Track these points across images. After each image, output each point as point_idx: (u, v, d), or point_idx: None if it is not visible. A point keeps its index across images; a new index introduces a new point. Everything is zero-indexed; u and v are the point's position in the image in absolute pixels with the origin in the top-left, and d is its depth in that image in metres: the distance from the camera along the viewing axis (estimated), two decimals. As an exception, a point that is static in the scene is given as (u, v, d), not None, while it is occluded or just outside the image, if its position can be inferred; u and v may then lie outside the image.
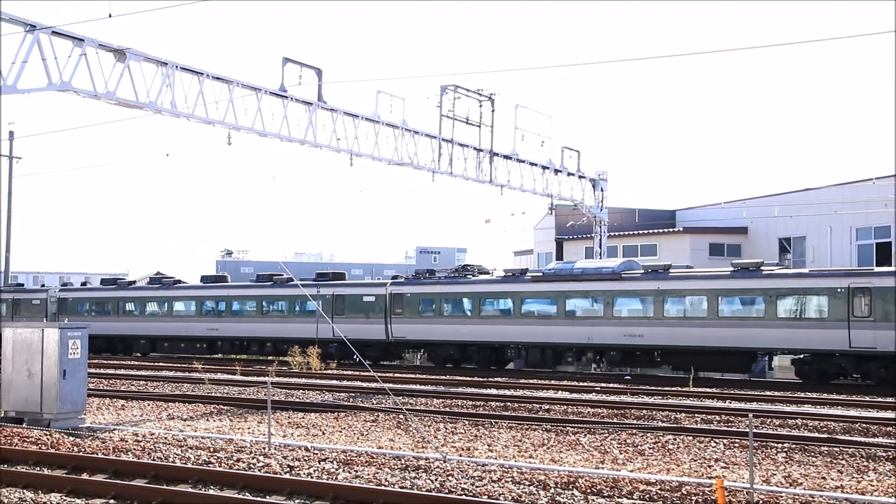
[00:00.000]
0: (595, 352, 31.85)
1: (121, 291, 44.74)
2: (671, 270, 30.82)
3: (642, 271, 31.33)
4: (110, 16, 18.02)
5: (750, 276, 28.75)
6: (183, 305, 42.12)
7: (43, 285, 54.83)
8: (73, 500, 11.39)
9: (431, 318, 34.88)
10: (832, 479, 12.69)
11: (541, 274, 33.20)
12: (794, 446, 15.43)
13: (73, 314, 44.70)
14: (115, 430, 16.96)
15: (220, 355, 41.29)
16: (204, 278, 43.76)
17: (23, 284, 52.55)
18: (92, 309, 45.09)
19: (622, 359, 31.22)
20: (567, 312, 31.71)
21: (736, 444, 15.65)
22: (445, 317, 34.62)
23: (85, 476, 12.55)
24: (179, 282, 44.32)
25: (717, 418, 19.22)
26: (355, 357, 29.42)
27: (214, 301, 41.32)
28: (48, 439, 15.41)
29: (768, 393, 24.82)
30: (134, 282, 46.75)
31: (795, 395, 24.31)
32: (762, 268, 29.15)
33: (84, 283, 50.61)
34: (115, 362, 36.83)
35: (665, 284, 30.05)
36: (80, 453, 14.12)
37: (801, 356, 28.58)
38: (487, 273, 35.77)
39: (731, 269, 29.87)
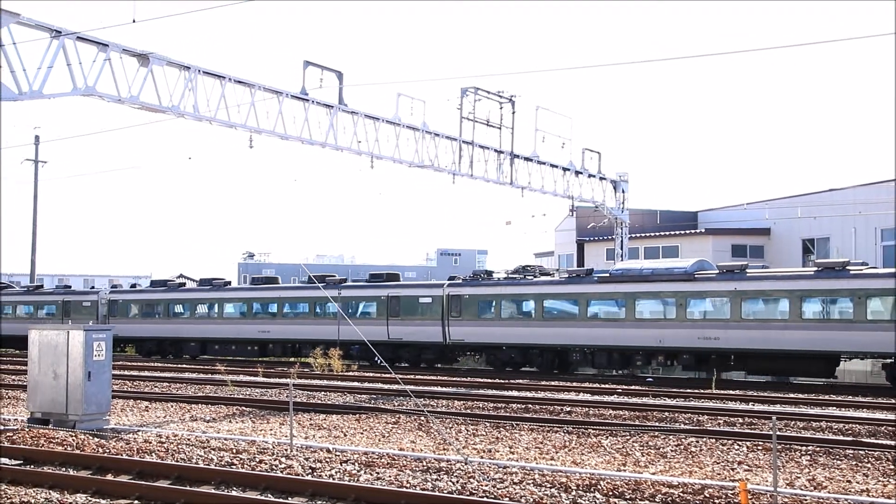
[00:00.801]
0: (665, 355, 30.72)
1: (171, 293, 43.75)
2: (748, 271, 29.72)
3: (716, 271, 30.37)
4: (134, 21, 18.20)
5: (836, 277, 27.73)
6: (233, 307, 41.09)
7: (92, 287, 52.72)
8: (97, 500, 11.50)
9: (491, 321, 33.97)
10: (858, 483, 12.56)
11: (608, 275, 32.20)
12: (818, 449, 15.29)
13: (124, 316, 44.25)
14: (138, 431, 17.10)
15: (271, 358, 40.28)
16: (255, 280, 42.95)
17: (70, 286, 51.27)
18: (142, 311, 44.24)
19: (695, 362, 30.24)
20: (636, 314, 30.76)
21: (759, 447, 15.54)
22: (505, 319, 33.71)
23: (109, 477, 12.67)
24: (229, 283, 43.34)
25: (741, 420, 19.09)
26: (377, 359, 29.45)
27: (266, 303, 40.33)
28: (73, 440, 15.57)
29: (792, 395, 24.61)
30: (184, 283, 45.94)
31: (819, 397, 24.09)
32: (848, 267, 28.04)
33: (133, 286, 49.72)
34: (139, 364, 37.13)
35: (743, 285, 28.97)
36: (105, 454, 14.26)
37: (892, 360, 27.24)
38: (548, 274, 34.87)
39: (815, 268, 28.83)
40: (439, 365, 36.27)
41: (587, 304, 31.79)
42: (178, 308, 43.07)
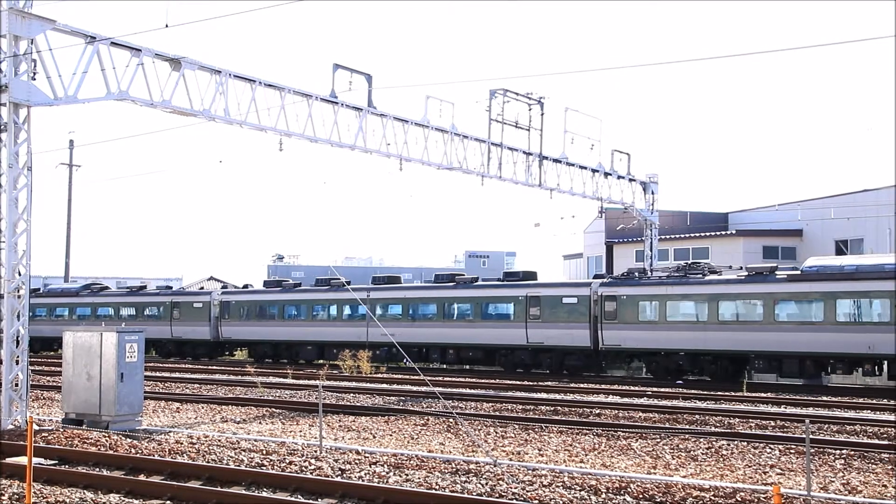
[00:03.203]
0: (872, 362, 27.35)
1: (286, 294, 41.08)
2: None
3: None
4: (167, 26, 18.37)
5: None
6: (357, 309, 38.38)
7: (202, 288, 49.88)
8: (130, 500, 11.64)
9: (654, 324, 30.91)
10: (893, 487, 12.38)
11: (799, 272, 29.16)
12: (852, 453, 15.10)
13: (236, 319, 42.05)
14: (170, 432, 17.28)
15: (401, 363, 37.54)
16: (375, 279, 40.16)
17: (170, 287, 49.51)
18: (255, 313, 41.65)
19: None
20: (837, 317, 27.66)
21: (792, 451, 15.37)
22: (672, 322, 30.61)
23: (142, 477, 12.82)
24: (348, 283, 40.32)
25: (773, 424, 18.89)
26: (405, 361, 29.37)
27: (390, 304, 37.87)
28: (107, 441, 15.77)
29: (825, 398, 24.31)
30: (299, 284, 43.28)
31: (854, 400, 23.77)
32: None
33: (245, 286, 46.80)
34: (170, 366, 37.48)
35: None
36: (138, 455, 14.43)
37: None
38: (717, 272, 31.66)
39: None
40: (586, 373, 33.04)
41: (773, 306, 28.71)
42: (294, 310, 40.54)
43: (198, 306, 43.20)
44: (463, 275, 37.83)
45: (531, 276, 36.14)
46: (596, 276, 34.79)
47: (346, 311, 38.85)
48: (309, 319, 39.77)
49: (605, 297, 32.01)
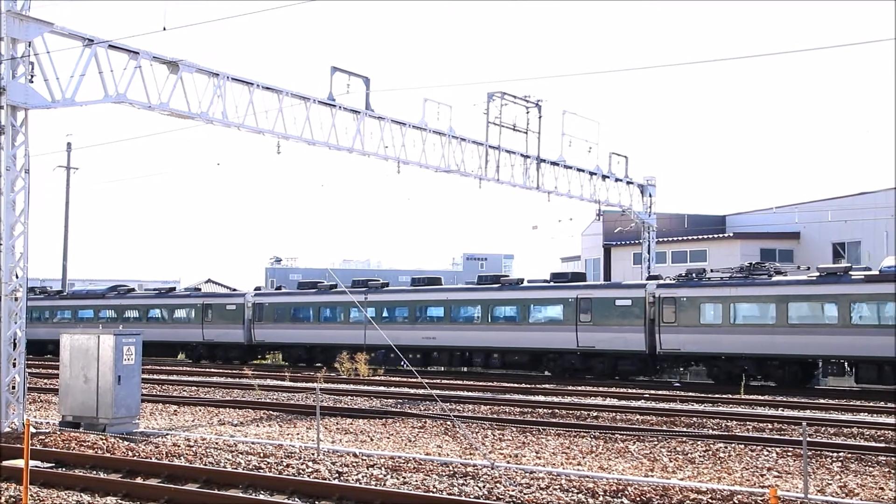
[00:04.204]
0: None
1: (322, 296, 39.70)
2: None
3: None
4: (164, 29, 18.38)
5: None
6: (394, 311, 37.44)
7: (235, 290, 48.17)
8: (127, 503, 11.63)
9: (717, 327, 29.58)
10: (890, 490, 12.40)
11: (877, 273, 27.73)
12: (850, 455, 15.11)
13: (270, 321, 40.71)
14: (167, 434, 17.26)
15: (440, 368, 36.74)
16: (415, 280, 39.28)
17: (198, 288, 48.11)
18: (290, 314, 40.34)
19: None
20: None
21: (789, 453, 15.38)
22: (737, 325, 29.26)
23: (139, 480, 12.80)
24: (387, 285, 39.81)
25: (770, 426, 18.90)
26: (403, 363, 29.25)
27: (431, 306, 36.45)
28: (104, 443, 15.75)
29: (822, 401, 24.32)
30: (335, 285, 41.26)
31: (851, 403, 23.79)
32: None
33: (278, 288, 45.59)
34: (167, 368, 37.43)
35: None
36: (135, 458, 14.42)
37: None
38: (782, 273, 30.17)
39: None
40: (642, 378, 31.91)
41: (849, 308, 27.27)
42: (330, 311, 39.17)
43: (231, 308, 42.01)
44: (507, 276, 36.35)
45: (580, 276, 35.14)
46: (650, 277, 33.55)
47: (384, 313, 37.55)
48: (345, 322, 38.43)
49: (662, 299, 30.66)
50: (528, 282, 35.95)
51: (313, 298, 39.94)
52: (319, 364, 38.58)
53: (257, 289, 45.19)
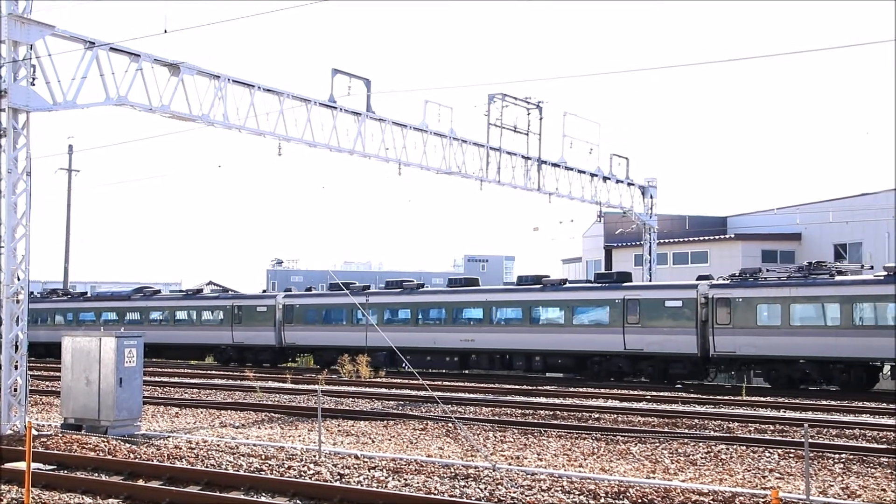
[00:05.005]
0: None
1: (357, 297, 38.20)
2: None
3: None
4: (165, 31, 18.41)
5: None
6: (431, 312, 36.36)
7: (264, 291, 47.09)
8: (129, 505, 11.63)
9: (776, 329, 28.35)
10: (892, 491, 12.39)
11: None
12: (852, 457, 15.10)
13: (301, 323, 39.75)
14: (169, 437, 17.27)
15: (477, 371, 35.98)
16: (451, 281, 38.34)
17: (226, 289, 46.85)
18: (321, 316, 39.39)
19: None
20: None
21: (791, 455, 15.37)
22: (796, 327, 28.09)
23: (141, 482, 12.81)
24: (422, 286, 38.92)
25: (772, 428, 18.89)
26: (404, 365, 29.17)
27: (469, 307, 35.51)
28: (105, 446, 15.76)
29: (825, 402, 24.31)
30: (368, 286, 40.70)
31: (853, 404, 23.78)
32: None
33: (308, 289, 44.40)
34: (169, 370, 37.44)
35: None
36: (136, 460, 14.43)
37: None
38: (843, 273, 28.82)
39: None
40: (694, 381, 30.77)
41: None
42: (361, 314, 38.20)
43: (262, 310, 41.06)
44: (549, 276, 35.77)
45: (626, 277, 33.97)
46: (700, 277, 32.35)
47: (420, 315, 36.72)
48: (379, 324, 37.13)
49: (716, 300, 29.52)
50: (571, 282, 35.29)
51: (345, 300, 38.54)
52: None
53: (287, 290, 44.38)
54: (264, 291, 48.02)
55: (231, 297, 43.86)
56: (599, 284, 33.36)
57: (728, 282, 30.36)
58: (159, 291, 47.91)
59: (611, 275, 34.38)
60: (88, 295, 50.22)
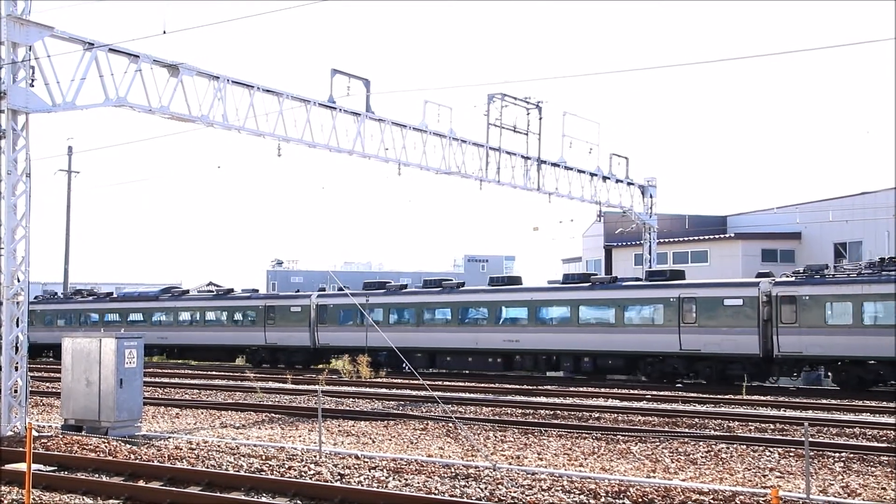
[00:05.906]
0: None
1: (391, 297, 37.55)
2: None
3: None
4: (164, 32, 18.41)
5: None
6: (474, 312, 35.31)
7: (297, 291, 45.57)
8: (130, 506, 11.64)
9: (847, 328, 27.16)
10: (892, 490, 12.39)
11: None
12: (852, 456, 15.11)
13: (334, 323, 38.82)
14: (169, 437, 17.28)
15: (522, 372, 34.75)
16: (492, 280, 37.06)
17: (257, 289, 45.92)
18: (356, 317, 38.12)
19: None
20: None
21: (791, 454, 15.38)
22: (869, 326, 26.84)
23: (141, 483, 12.81)
24: (462, 284, 37.56)
25: (772, 427, 18.90)
26: (405, 366, 29.16)
27: (513, 307, 34.51)
28: (106, 447, 15.76)
29: (824, 401, 24.32)
30: (405, 285, 39.83)
31: (853, 403, 23.78)
32: None
33: (340, 289, 42.47)
34: (169, 371, 37.43)
35: None
36: (137, 461, 14.43)
37: None
38: None
39: None
40: (756, 383, 29.47)
41: None
42: (397, 314, 37.21)
43: (296, 310, 40.09)
44: (597, 274, 34.20)
45: (679, 274, 32.65)
46: (760, 275, 30.96)
47: (461, 314, 35.57)
48: (417, 324, 36.22)
49: (780, 298, 28.26)
50: (621, 280, 34.44)
51: (384, 300, 37.68)
52: (390, 369, 36.04)
53: (321, 289, 43.55)
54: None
55: (263, 296, 43.10)
56: (652, 282, 32.13)
57: (792, 279, 29.06)
58: (188, 291, 46.83)
59: (663, 272, 33.18)
60: (114, 295, 49.38)
